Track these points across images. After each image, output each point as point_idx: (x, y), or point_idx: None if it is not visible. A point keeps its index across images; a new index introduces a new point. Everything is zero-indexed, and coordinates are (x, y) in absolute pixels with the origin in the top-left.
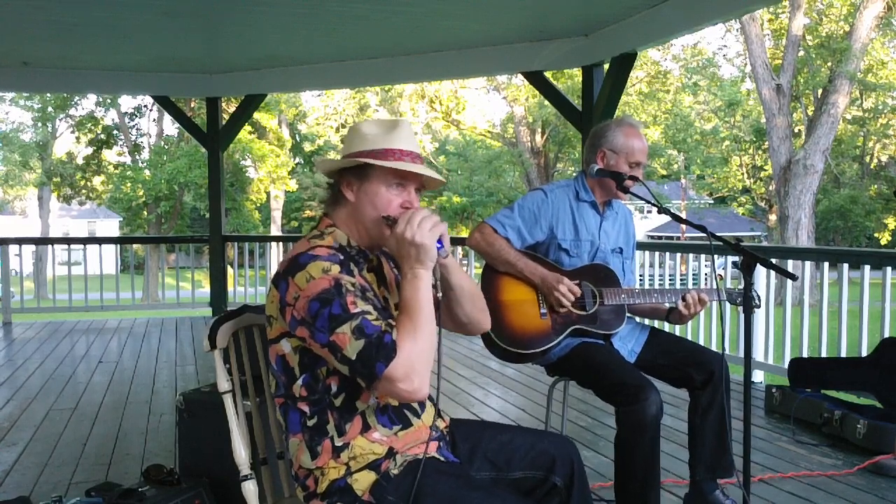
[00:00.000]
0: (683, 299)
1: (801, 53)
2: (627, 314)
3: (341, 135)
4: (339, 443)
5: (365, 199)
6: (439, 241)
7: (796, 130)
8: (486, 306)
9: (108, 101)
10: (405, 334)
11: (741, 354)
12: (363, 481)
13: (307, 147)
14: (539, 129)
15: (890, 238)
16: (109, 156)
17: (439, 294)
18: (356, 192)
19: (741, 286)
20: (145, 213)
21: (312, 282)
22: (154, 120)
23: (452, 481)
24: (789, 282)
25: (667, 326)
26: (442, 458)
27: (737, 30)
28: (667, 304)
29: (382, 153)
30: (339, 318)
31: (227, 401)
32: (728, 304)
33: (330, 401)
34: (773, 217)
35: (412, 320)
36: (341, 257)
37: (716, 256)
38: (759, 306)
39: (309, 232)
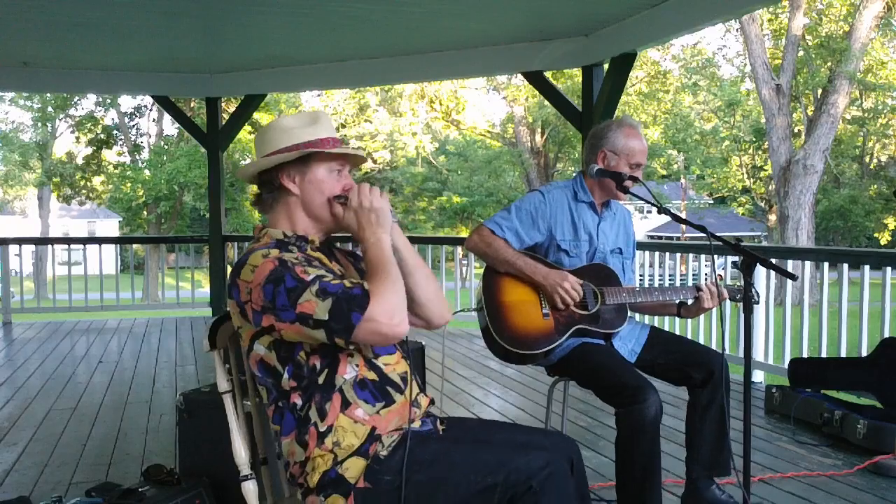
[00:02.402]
0: (699, 290)
1: (801, 53)
2: (632, 313)
3: (255, 138)
4: (322, 427)
5: (311, 187)
6: None
7: (796, 130)
8: (441, 292)
9: (108, 101)
10: (380, 283)
11: (741, 354)
12: (354, 469)
13: None
14: (539, 129)
15: (890, 238)
16: (109, 156)
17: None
18: (300, 183)
19: (740, 284)
20: (145, 213)
21: (257, 269)
22: (154, 120)
23: (438, 442)
24: (789, 282)
25: (667, 326)
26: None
27: (736, 30)
28: (676, 300)
29: (318, 143)
30: (297, 290)
31: (227, 401)
32: (728, 304)
33: (315, 380)
34: (772, 217)
35: (382, 271)
36: (279, 246)
37: (716, 256)
38: (757, 302)
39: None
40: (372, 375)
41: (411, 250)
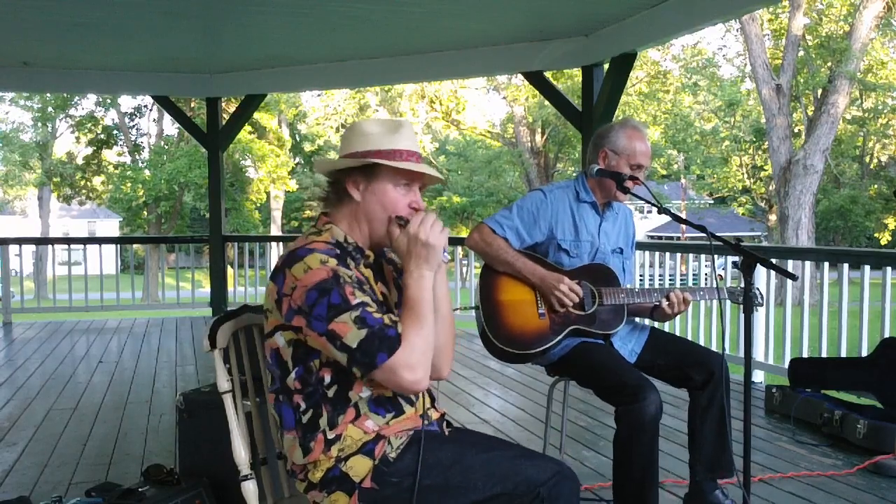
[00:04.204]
0: (668, 298)
1: (801, 53)
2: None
3: (341, 135)
4: (331, 436)
5: (372, 198)
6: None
7: (796, 130)
8: (454, 345)
9: (108, 101)
10: (411, 328)
11: (741, 354)
12: (358, 468)
13: (307, 147)
14: (539, 129)
15: (890, 238)
16: (109, 156)
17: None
18: (363, 192)
19: (742, 285)
20: (145, 213)
21: (310, 272)
22: (154, 120)
23: (450, 446)
24: (789, 282)
25: (667, 326)
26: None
27: (737, 30)
28: (652, 303)
29: (390, 153)
30: (339, 308)
31: (227, 401)
32: (728, 304)
33: (323, 392)
34: (773, 217)
35: (418, 316)
36: (338, 251)
37: (716, 256)
38: (761, 304)
39: (308, 230)
40: (388, 393)
41: (447, 297)
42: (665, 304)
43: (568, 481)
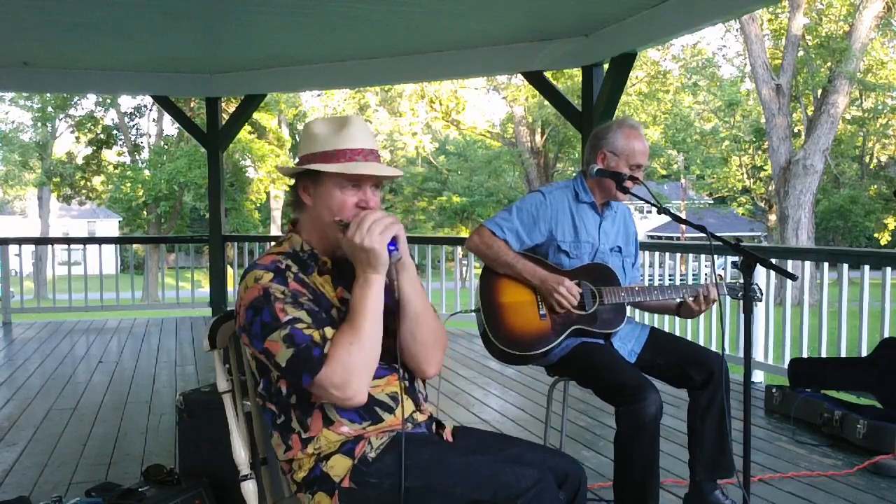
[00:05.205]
0: (695, 298)
1: (801, 53)
2: (632, 314)
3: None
4: (305, 435)
5: (320, 202)
6: (393, 243)
7: (796, 130)
8: (442, 343)
9: (108, 101)
10: (343, 341)
11: (741, 354)
12: (339, 467)
13: None
14: (539, 129)
15: (890, 238)
16: (109, 156)
17: (396, 294)
18: (312, 196)
19: (741, 283)
20: (145, 213)
21: (247, 291)
22: (154, 120)
23: (430, 448)
24: (789, 282)
25: (667, 327)
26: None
27: (736, 30)
28: (677, 299)
29: (333, 155)
30: (270, 326)
31: (227, 401)
32: (728, 303)
33: (286, 400)
34: (772, 217)
35: (353, 326)
36: (281, 265)
37: (716, 256)
38: (760, 299)
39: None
40: None
41: (419, 295)
42: (692, 301)
43: (551, 490)
